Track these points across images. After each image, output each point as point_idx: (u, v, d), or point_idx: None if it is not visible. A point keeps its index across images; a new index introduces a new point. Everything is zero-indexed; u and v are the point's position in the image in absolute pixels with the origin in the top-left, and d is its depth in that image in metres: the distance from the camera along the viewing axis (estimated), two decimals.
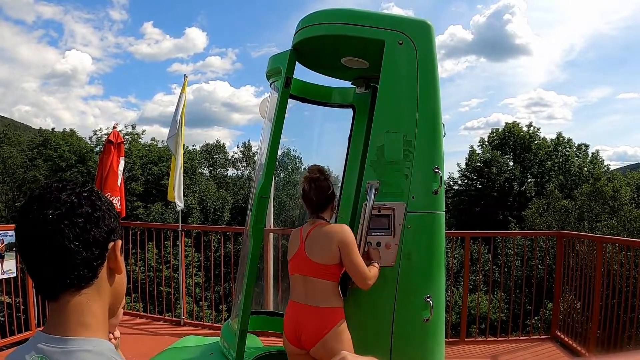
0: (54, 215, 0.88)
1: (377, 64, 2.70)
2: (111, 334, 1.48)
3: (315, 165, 2.69)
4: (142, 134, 34.47)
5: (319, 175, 2.58)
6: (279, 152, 3.42)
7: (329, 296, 2.45)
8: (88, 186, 0.97)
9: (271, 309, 4.64)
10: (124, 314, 6.07)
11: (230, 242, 6.72)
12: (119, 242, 0.99)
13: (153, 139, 34.50)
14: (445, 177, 2.80)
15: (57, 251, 0.88)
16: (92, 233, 0.92)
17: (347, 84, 3.66)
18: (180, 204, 5.69)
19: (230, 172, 38.23)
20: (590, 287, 4.78)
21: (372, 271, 2.44)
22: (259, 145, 3.68)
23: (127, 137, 32.10)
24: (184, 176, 5.87)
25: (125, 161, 6.17)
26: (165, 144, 6.11)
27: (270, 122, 3.09)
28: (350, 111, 3.73)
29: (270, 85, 3.33)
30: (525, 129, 32.69)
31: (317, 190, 2.55)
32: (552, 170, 30.49)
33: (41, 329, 0.91)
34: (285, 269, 5.05)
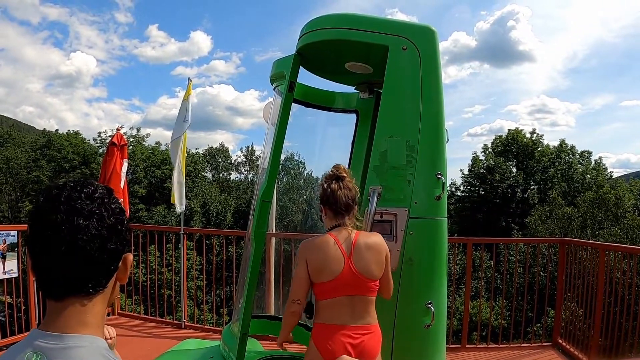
0: (84, 225, 0.90)
1: (381, 69, 2.70)
2: (107, 331, 1.50)
3: (339, 164, 2.44)
4: (147, 137, 34.62)
5: (345, 175, 2.35)
6: (282, 157, 3.41)
7: (374, 311, 2.28)
8: (114, 197, 0.99)
9: (272, 313, 4.63)
10: (125, 316, 6.08)
11: (232, 245, 6.72)
12: (131, 255, 1.03)
13: (157, 142, 34.63)
14: (448, 183, 2.79)
15: (82, 260, 0.90)
16: (114, 245, 0.95)
17: (350, 89, 3.66)
18: (180, 207, 5.69)
19: (233, 176, 38.32)
20: (593, 294, 4.76)
21: None
22: (262, 150, 3.67)
23: (131, 139, 32.20)
24: (186, 179, 5.88)
25: (128, 163, 6.19)
26: (169, 146, 6.09)
27: (273, 126, 3.08)
28: (353, 116, 3.73)
29: (274, 89, 3.32)
30: (528, 135, 32.70)
31: (346, 190, 2.30)
32: (555, 177, 30.43)
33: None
34: (287, 273, 5.03)
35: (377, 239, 2.30)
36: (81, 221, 0.89)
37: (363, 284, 2.21)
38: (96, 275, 0.93)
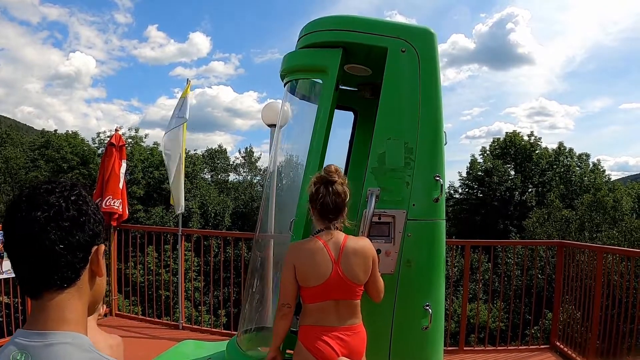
0: (41, 217, 0.91)
1: (380, 71, 2.70)
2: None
3: (332, 165, 2.36)
4: (145, 138, 34.57)
5: (336, 178, 2.28)
6: (282, 159, 3.38)
7: (359, 312, 2.31)
8: (76, 189, 0.99)
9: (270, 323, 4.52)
10: (123, 317, 6.07)
11: (230, 247, 6.72)
12: (102, 247, 1.02)
13: (155, 143, 34.56)
14: (446, 185, 2.79)
15: (42, 253, 0.91)
16: (77, 237, 0.94)
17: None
18: (179, 208, 5.68)
19: (232, 177, 38.23)
20: (590, 297, 4.77)
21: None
22: (271, 155, 3.58)
23: (129, 140, 32.15)
24: (185, 180, 5.86)
25: (127, 164, 6.18)
26: (162, 142, 6.02)
27: (277, 129, 3.04)
28: (350, 115, 3.70)
29: (285, 85, 3.14)
30: (526, 138, 32.72)
31: (334, 196, 2.24)
32: (553, 180, 30.46)
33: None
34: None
35: (364, 243, 2.30)
36: (39, 214, 0.91)
37: (350, 289, 2.22)
38: (61, 269, 0.93)
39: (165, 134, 5.84)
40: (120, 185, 5.89)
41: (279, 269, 3.03)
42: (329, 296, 2.20)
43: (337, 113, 3.69)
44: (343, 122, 3.79)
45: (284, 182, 3.58)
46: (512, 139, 32.56)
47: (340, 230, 2.32)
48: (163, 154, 5.81)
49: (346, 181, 2.32)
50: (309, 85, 3.22)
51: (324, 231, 2.28)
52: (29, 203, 0.92)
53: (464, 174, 33.35)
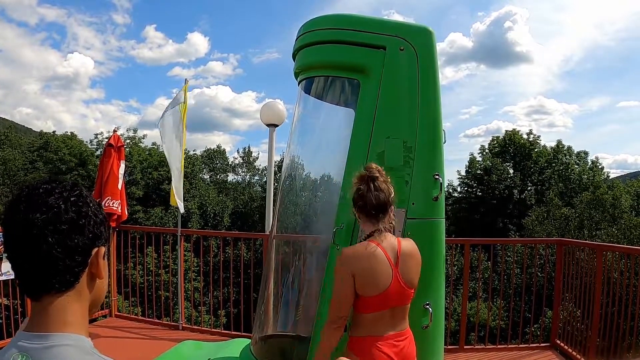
0: (40, 220, 0.89)
1: None
2: None
3: (371, 163, 2.24)
4: (144, 138, 34.56)
5: (378, 175, 2.14)
6: (288, 160, 3.35)
7: (407, 315, 2.22)
8: (77, 190, 0.96)
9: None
10: (122, 318, 6.06)
11: (229, 247, 6.71)
12: (102, 249, 0.99)
13: (154, 144, 34.55)
14: (445, 184, 2.78)
15: (40, 256, 0.89)
16: (76, 240, 0.92)
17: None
18: (181, 208, 5.67)
19: (231, 177, 38.22)
20: (590, 295, 4.77)
21: None
22: (287, 153, 3.52)
23: (127, 141, 32.13)
24: (184, 181, 5.85)
25: (125, 165, 6.17)
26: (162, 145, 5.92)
27: (294, 127, 3.06)
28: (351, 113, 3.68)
29: (299, 83, 3.07)
30: (525, 136, 32.72)
31: (377, 192, 2.10)
32: (552, 178, 30.47)
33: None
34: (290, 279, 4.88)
35: (414, 244, 2.22)
36: (37, 216, 0.89)
37: (406, 294, 2.13)
38: (59, 273, 0.91)
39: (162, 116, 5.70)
40: (119, 186, 5.88)
41: (307, 272, 3.05)
42: (387, 305, 2.07)
43: (337, 112, 3.69)
44: (343, 122, 3.76)
45: (306, 184, 3.53)
46: (511, 137, 32.56)
47: (391, 232, 2.19)
48: (165, 153, 5.73)
49: (389, 179, 2.21)
50: (338, 84, 3.08)
51: (376, 233, 2.12)
52: (27, 204, 0.90)
53: (463, 173, 33.37)
